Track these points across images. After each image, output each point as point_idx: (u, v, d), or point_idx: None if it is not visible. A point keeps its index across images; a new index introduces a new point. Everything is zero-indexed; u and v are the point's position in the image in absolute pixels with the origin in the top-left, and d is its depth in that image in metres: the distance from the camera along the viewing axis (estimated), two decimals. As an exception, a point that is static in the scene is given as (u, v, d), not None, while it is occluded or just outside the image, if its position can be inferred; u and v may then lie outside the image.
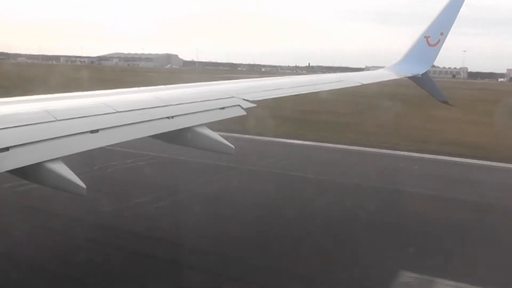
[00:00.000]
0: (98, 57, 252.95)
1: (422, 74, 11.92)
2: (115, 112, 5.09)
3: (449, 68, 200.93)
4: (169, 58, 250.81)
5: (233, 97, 6.77)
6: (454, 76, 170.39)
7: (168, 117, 5.51)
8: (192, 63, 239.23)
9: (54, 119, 4.48)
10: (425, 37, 11.79)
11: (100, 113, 4.99)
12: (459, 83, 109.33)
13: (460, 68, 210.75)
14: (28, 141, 4.04)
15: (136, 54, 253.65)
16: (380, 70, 12.53)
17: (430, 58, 12.02)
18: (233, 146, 5.71)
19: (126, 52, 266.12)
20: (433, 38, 11.73)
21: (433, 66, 12.90)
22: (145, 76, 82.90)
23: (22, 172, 4.01)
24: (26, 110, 4.67)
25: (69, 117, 4.65)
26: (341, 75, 11.35)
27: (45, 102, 5.16)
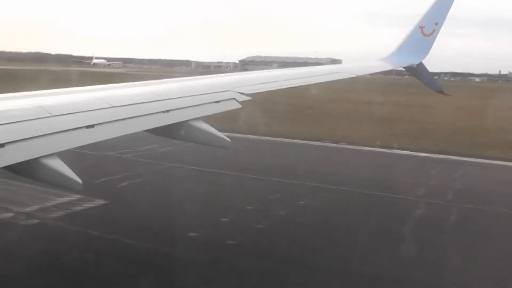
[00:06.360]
0: (241, 61, 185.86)
1: (418, 64, 11.91)
2: (110, 107, 5.07)
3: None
4: (334, 63, 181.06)
5: (228, 90, 6.74)
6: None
7: (163, 111, 5.49)
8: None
9: (50, 115, 4.45)
10: (419, 27, 11.75)
11: (95, 108, 4.96)
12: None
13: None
14: (24, 137, 4.01)
15: (287, 57, 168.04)
16: (376, 61, 12.47)
17: (425, 48, 11.98)
18: (229, 140, 5.67)
19: (272, 55, 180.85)
20: (427, 28, 11.69)
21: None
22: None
23: (18, 168, 3.99)
24: (21, 106, 4.64)
25: (64, 113, 4.62)
26: (337, 67, 11.32)
27: (40, 98, 5.14)
